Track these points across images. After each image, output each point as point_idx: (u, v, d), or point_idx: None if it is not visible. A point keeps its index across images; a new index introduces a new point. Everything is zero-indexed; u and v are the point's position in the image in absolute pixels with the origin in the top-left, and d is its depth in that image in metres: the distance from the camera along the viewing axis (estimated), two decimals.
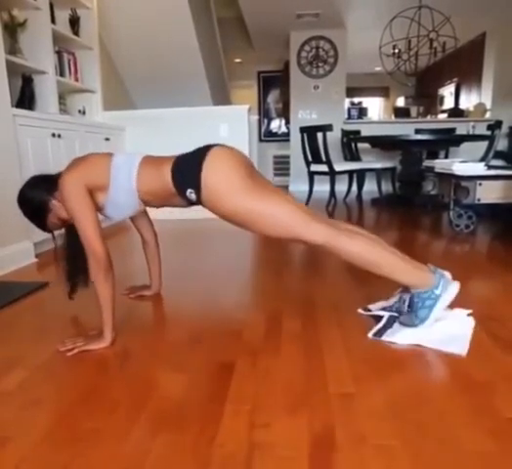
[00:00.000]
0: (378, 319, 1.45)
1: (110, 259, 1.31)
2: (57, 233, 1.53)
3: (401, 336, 1.31)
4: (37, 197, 1.40)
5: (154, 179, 1.34)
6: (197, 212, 1.81)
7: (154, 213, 1.71)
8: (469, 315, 1.45)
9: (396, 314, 1.43)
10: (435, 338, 1.29)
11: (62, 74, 3.26)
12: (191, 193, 1.31)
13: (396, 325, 1.38)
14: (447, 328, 1.34)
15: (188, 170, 1.30)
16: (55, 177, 1.39)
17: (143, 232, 1.72)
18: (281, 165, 8.05)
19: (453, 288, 1.34)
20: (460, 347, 1.25)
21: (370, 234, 1.43)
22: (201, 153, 1.31)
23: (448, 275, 1.38)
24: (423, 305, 1.32)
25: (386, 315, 1.44)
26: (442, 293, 1.31)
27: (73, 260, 1.51)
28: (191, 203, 1.37)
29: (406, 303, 1.37)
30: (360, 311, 1.56)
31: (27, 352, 1.31)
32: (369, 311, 1.54)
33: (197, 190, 1.29)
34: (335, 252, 1.29)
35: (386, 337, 1.32)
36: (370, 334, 1.35)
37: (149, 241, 1.73)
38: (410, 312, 1.35)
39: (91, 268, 1.30)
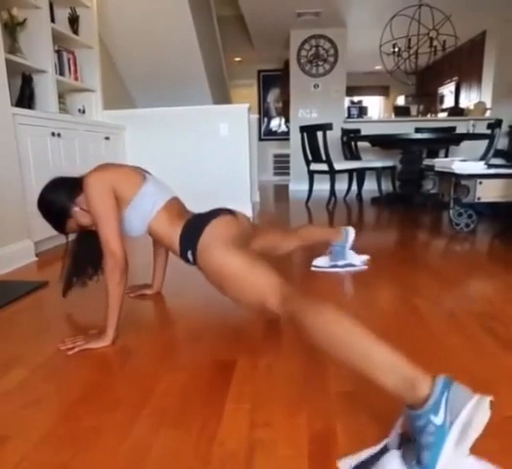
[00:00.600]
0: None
1: (127, 263, 1.32)
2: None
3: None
4: (57, 202, 1.39)
5: (164, 231, 1.38)
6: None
7: None
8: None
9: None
10: None
11: (61, 73, 3.26)
12: (190, 255, 1.32)
13: (389, 456, 0.79)
14: None
15: (191, 234, 1.33)
16: (77, 180, 1.39)
17: None
18: (281, 164, 8.06)
19: (479, 411, 0.75)
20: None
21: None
22: (207, 219, 1.34)
23: (463, 387, 0.79)
24: (422, 443, 0.75)
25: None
26: (448, 423, 0.74)
27: (80, 261, 1.53)
28: (189, 263, 1.38)
29: (399, 429, 0.83)
30: (312, 268, 2.04)
31: (28, 351, 1.31)
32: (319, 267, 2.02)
33: (194, 251, 1.30)
34: (299, 326, 0.97)
35: None
36: (342, 463, 0.81)
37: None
38: (409, 446, 0.80)
39: (107, 267, 1.30)
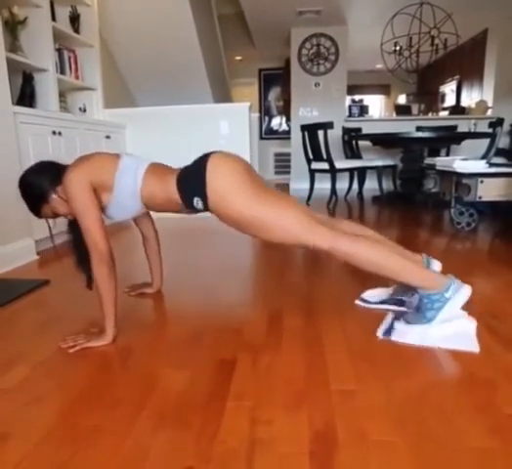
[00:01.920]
0: (378, 311, 1.48)
1: (113, 256, 1.31)
2: (52, 222, 1.51)
3: (412, 337, 1.29)
4: (38, 186, 1.39)
5: (159, 189, 1.35)
6: None
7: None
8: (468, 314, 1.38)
9: (399, 308, 1.49)
10: (445, 338, 1.28)
11: (62, 72, 3.26)
12: (198, 202, 1.31)
13: (402, 324, 1.34)
14: (453, 328, 1.31)
15: (192, 179, 1.31)
16: (62, 168, 1.38)
17: (143, 229, 1.71)
18: (282, 163, 8.06)
19: (465, 292, 1.30)
20: (472, 344, 1.26)
21: (377, 235, 1.44)
22: (202, 162, 1.32)
23: (459, 281, 1.34)
24: (432, 306, 1.29)
25: (389, 314, 1.46)
26: (451, 296, 1.28)
27: (82, 251, 1.49)
28: (196, 211, 1.37)
29: (415, 302, 1.38)
30: (357, 302, 1.61)
31: (29, 349, 1.31)
32: (367, 302, 1.59)
33: (204, 197, 1.29)
34: (340, 256, 1.26)
35: (397, 338, 1.31)
36: (380, 334, 1.34)
37: (149, 238, 1.73)
38: (418, 311, 1.34)
39: (93, 264, 1.30)
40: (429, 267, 1.55)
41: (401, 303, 1.53)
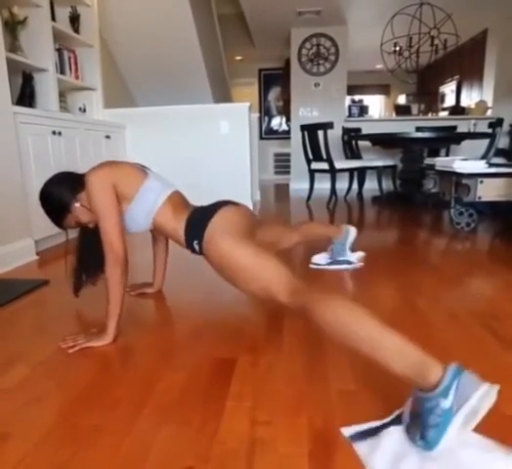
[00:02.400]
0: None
1: (128, 259, 1.33)
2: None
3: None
4: (60, 196, 1.39)
5: (170, 223, 1.40)
6: None
7: None
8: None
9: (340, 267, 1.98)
10: None
11: (62, 72, 3.26)
12: (196, 244, 1.34)
13: (393, 429, 0.88)
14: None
15: (197, 224, 1.35)
16: (81, 177, 1.40)
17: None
18: (282, 163, 8.06)
19: (486, 398, 0.78)
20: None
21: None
22: (212, 210, 1.36)
23: (472, 375, 0.82)
24: (429, 422, 0.80)
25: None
26: (456, 407, 0.78)
27: (85, 259, 1.53)
28: (194, 252, 1.40)
29: (409, 407, 0.87)
30: (311, 266, 2.09)
31: (29, 349, 1.31)
32: (318, 265, 2.09)
33: (200, 241, 1.32)
34: (309, 316, 0.98)
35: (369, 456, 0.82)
36: (348, 433, 0.88)
37: (160, 240, 1.75)
38: (416, 422, 0.83)
39: (108, 264, 1.30)
40: (348, 233, 1.89)
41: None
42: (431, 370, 0.82)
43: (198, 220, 1.35)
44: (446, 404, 0.78)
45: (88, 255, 1.51)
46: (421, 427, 0.81)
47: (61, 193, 1.39)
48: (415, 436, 0.82)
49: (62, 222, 1.43)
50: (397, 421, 0.89)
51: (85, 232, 1.50)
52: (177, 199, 1.45)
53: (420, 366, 0.83)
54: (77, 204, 1.39)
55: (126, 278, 1.34)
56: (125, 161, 1.46)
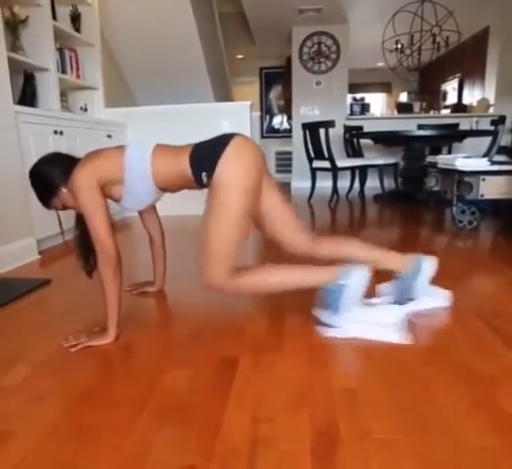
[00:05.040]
0: None
1: (120, 255, 1.32)
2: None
3: (339, 332, 1.34)
4: (49, 177, 1.38)
5: (170, 164, 1.34)
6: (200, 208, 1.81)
7: (157, 209, 1.72)
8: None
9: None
10: (372, 329, 1.33)
11: (63, 71, 3.26)
12: (205, 176, 1.31)
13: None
14: (379, 318, 1.39)
15: (208, 155, 1.31)
16: (74, 163, 1.37)
17: (151, 230, 1.73)
18: (284, 161, 8.04)
19: (362, 275, 1.33)
20: (400, 335, 1.31)
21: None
22: (224, 140, 1.31)
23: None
24: (334, 298, 1.33)
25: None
26: (347, 282, 1.31)
27: (85, 243, 1.49)
28: (203, 186, 1.37)
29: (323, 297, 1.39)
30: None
31: (31, 348, 1.31)
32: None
33: (210, 174, 1.29)
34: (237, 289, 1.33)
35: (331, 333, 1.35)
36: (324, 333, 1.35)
37: (156, 240, 1.74)
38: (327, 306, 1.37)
39: (99, 263, 1.30)
40: (420, 266, 1.50)
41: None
42: (335, 273, 1.34)
43: (209, 150, 1.31)
44: (342, 282, 1.32)
45: (87, 238, 1.46)
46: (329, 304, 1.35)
47: (51, 175, 1.38)
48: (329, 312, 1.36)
49: (48, 203, 1.43)
50: None
51: (81, 218, 1.46)
52: (165, 147, 1.39)
53: (330, 275, 1.34)
54: (65, 190, 1.38)
55: (120, 276, 1.33)
56: (106, 148, 1.42)
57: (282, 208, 1.48)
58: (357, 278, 1.32)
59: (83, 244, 1.49)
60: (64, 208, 1.45)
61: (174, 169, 1.35)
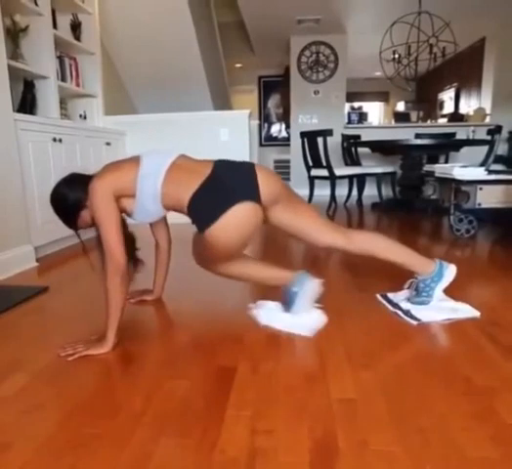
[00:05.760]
0: (378, 318, 1.55)
1: (129, 267, 1.33)
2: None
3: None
4: (73, 195, 1.40)
5: (174, 196, 1.36)
6: None
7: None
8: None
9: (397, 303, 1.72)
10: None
11: (63, 79, 3.28)
12: (198, 224, 1.36)
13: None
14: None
15: (203, 211, 1.33)
16: (89, 178, 1.40)
17: (159, 238, 1.74)
18: (282, 170, 8.06)
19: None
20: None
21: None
22: (227, 201, 1.30)
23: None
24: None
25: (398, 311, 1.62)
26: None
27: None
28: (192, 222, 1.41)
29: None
30: (379, 297, 1.78)
31: (28, 356, 1.31)
32: (389, 301, 1.74)
33: (203, 227, 1.33)
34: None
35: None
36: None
37: (162, 248, 1.75)
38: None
39: (108, 272, 1.30)
40: (443, 271, 1.65)
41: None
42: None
43: (207, 205, 1.31)
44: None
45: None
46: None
47: (73, 192, 1.41)
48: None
49: (75, 221, 1.44)
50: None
51: None
52: (176, 171, 1.37)
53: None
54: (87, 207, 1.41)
55: (127, 287, 1.34)
56: (124, 159, 1.45)
57: (302, 222, 1.54)
58: (307, 287, 1.49)
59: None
60: (92, 225, 1.45)
61: (176, 200, 1.37)
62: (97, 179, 1.35)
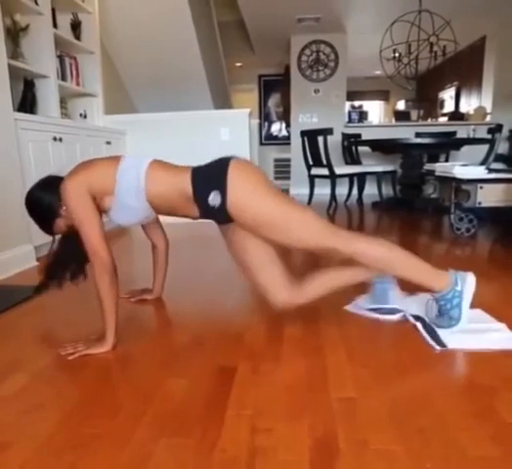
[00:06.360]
0: (376, 318, 1.48)
1: (115, 263, 1.31)
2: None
3: (468, 343, 1.30)
4: (47, 200, 1.37)
5: (167, 182, 1.30)
6: None
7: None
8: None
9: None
10: (491, 338, 1.33)
11: (63, 78, 3.28)
12: (215, 197, 1.26)
13: (447, 332, 1.36)
14: (485, 326, 1.41)
15: (212, 174, 1.28)
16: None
17: (154, 239, 1.71)
18: (282, 169, 8.06)
19: (470, 280, 1.37)
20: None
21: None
22: (223, 161, 1.30)
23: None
24: (452, 305, 1.35)
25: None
26: (462, 288, 1.35)
27: (61, 262, 1.48)
28: (205, 211, 1.31)
29: (434, 308, 1.42)
30: (347, 308, 1.62)
31: (28, 356, 1.31)
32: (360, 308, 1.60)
33: (223, 191, 1.25)
34: (358, 258, 1.31)
35: (456, 346, 1.28)
36: (438, 347, 1.28)
37: (159, 248, 1.73)
38: (442, 315, 1.38)
39: (96, 272, 1.29)
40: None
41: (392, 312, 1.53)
42: (449, 277, 1.39)
43: (213, 169, 1.29)
44: (458, 288, 1.36)
45: (66, 259, 1.47)
46: (447, 312, 1.36)
47: (47, 197, 1.36)
48: (447, 321, 1.36)
49: (51, 227, 1.41)
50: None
51: (68, 235, 1.45)
52: (163, 163, 1.36)
53: (441, 278, 1.39)
54: (65, 207, 1.34)
55: (117, 284, 1.31)
56: (99, 157, 1.40)
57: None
58: (470, 284, 1.37)
59: (58, 263, 1.48)
60: (70, 229, 1.40)
61: (171, 185, 1.30)
62: (67, 178, 1.31)
